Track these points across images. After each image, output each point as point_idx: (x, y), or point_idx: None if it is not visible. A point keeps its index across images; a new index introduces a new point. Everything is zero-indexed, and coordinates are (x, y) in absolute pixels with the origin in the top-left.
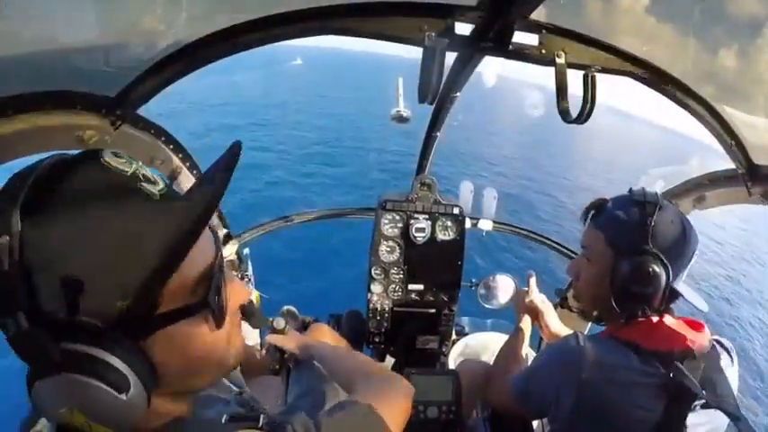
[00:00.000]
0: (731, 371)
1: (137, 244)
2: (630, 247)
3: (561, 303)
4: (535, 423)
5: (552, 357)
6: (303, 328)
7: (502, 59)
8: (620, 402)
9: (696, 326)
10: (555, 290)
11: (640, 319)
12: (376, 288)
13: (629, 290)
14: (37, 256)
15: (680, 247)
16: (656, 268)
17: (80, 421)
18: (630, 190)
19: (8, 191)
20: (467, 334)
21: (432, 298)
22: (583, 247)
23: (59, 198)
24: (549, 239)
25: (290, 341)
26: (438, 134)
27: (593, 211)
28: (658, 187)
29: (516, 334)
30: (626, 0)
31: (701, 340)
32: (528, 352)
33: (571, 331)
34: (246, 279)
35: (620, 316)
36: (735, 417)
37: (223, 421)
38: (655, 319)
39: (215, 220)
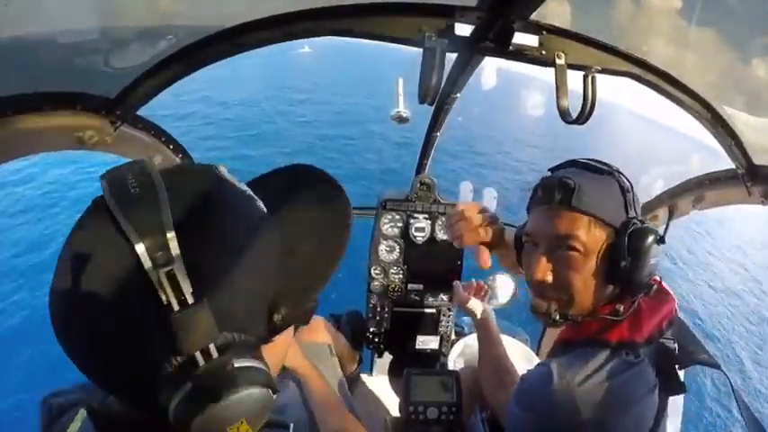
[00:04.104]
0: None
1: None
2: (623, 219)
3: (557, 319)
4: None
5: (535, 408)
6: None
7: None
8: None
9: (660, 285)
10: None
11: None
12: (376, 288)
13: (642, 266)
14: (202, 281)
15: (640, 209)
16: (656, 232)
17: None
18: (575, 161)
19: (143, 212)
20: (467, 334)
21: (431, 298)
22: (560, 237)
23: (206, 217)
24: None
25: (290, 356)
26: (438, 134)
27: (558, 195)
28: (658, 187)
29: (485, 339)
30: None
31: (674, 302)
32: (524, 350)
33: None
34: None
35: (626, 302)
36: (715, 365)
37: None
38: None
39: None
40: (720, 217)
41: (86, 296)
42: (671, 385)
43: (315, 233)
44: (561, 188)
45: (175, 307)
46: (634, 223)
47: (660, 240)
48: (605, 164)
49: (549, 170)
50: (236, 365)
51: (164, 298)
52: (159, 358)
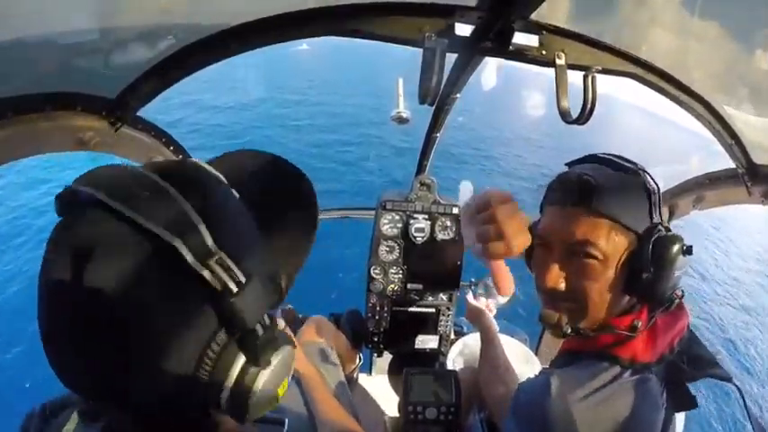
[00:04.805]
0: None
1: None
2: (647, 225)
3: (568, 332)
4: None
5: (529, 420)
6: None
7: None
8: None
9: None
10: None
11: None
12: (375, 287)
13: (666, 278)
14: (241, 261)
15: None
16: (682, 241)
17: (281, 393)
18: (596, 156)
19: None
20: (466, 334)
21: (431, 297)
22: (576, 243)
23: (212, 205)
24: None
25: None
26: (438, 135)
27: (577, 194)
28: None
29: (488, 342)
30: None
31: (688, 317)
32: (523, 350)
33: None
34: None
35: (643, 316)
36: (727, 379)
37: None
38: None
39: None
40: (734, 218)
41: (111, 305)
42: (680, 401)
43: (285, 228)
44: (581, 187)
45: (234, 289)
46: (659, 230)
47: (687, 251)
48: (630, 161)
49: (566, 164)
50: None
51: (217, 285)
52: (203, 346)
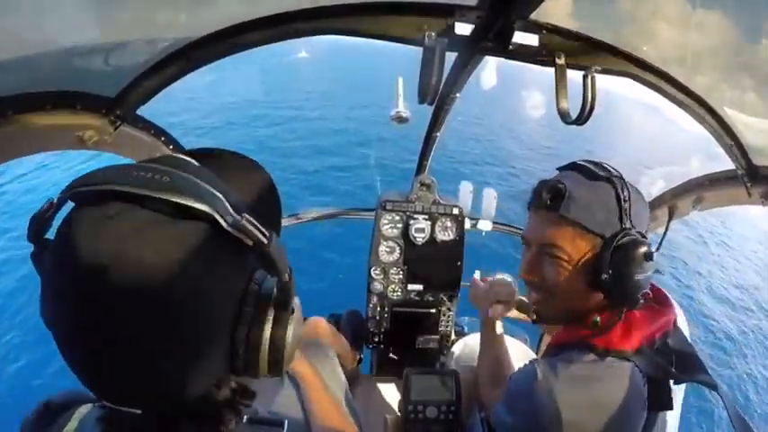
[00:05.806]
0: (684, 327)
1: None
2: (615, 230)
3: (535, 319)
4: None
5: (519, 407)
6: None
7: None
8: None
9: (661, 296)
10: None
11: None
12: (376, 288)
13: (624, 280)
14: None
15: (645, 218)
16: (647, 247)
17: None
18: (576, 164)
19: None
20: (466, 334)
21: (431, 298)
22: (545, 245)
23: (213, 180)
24: None
25: None
26: (438, 134)
27: (548, 200)
28: (658, 187)
29: (488, 339)
30: None
31: (673, 315)
32: (522, 349)
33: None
34: None
35: (608, 313)
36: (712, 386)
37: (244, 420)
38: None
39: None
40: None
41: (169, 288)
42: (660, 399)
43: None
44: (552, 193)
45: (265, 241)
46: (625, 235)
47: (649, 256)
48: (606, 168)
49: (557, 169)
50: None
51: (249, 242)
52: (238, 304)
